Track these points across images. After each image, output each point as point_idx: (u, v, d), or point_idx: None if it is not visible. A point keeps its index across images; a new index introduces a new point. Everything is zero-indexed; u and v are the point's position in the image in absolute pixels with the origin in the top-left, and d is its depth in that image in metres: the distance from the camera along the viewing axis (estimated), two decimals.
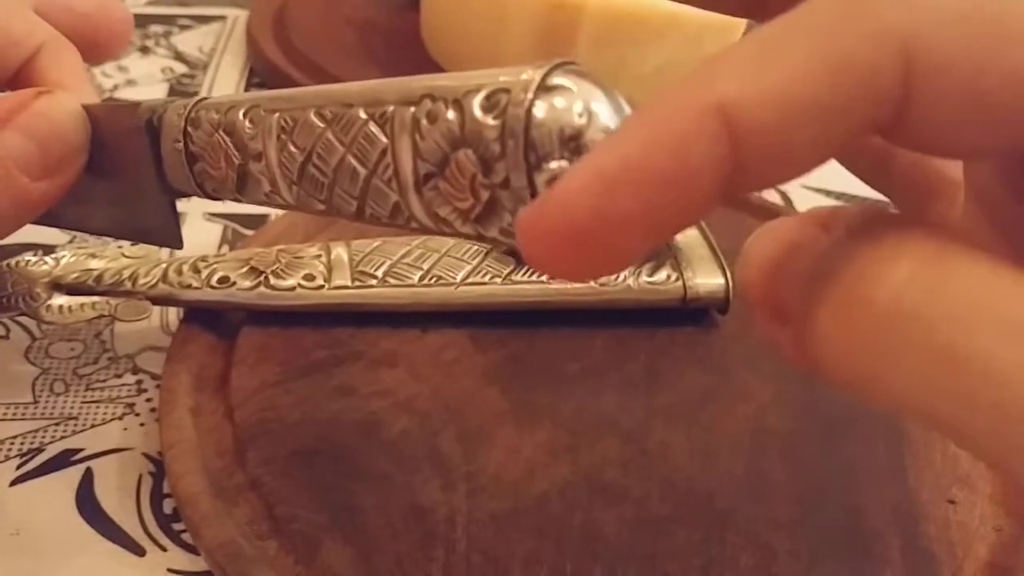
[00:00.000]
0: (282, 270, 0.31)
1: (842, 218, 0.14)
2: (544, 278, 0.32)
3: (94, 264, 0.31)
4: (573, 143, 0.16)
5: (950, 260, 0.13)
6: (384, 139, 0.18)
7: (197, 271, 0.31)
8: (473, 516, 0.26)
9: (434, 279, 0.32)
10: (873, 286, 0.13)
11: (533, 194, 0.16)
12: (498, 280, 0.32)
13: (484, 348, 0.32)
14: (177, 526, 0.27)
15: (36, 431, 0.30)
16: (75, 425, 0.30)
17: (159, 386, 0.30)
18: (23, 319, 0.34)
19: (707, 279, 0.33)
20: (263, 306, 0.31)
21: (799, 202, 0.46)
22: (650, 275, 0.33)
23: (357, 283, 0.32)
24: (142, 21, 0.57)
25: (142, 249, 0.32)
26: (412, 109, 0.18)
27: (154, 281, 0.31)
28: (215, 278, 0.31)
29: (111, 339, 0.33)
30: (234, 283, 0.31)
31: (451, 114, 0.17)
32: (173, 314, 0.34)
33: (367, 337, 0.32)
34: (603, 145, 0.13)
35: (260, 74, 0.52)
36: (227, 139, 0.21)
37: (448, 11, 0.51)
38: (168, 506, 0.28)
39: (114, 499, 0.28)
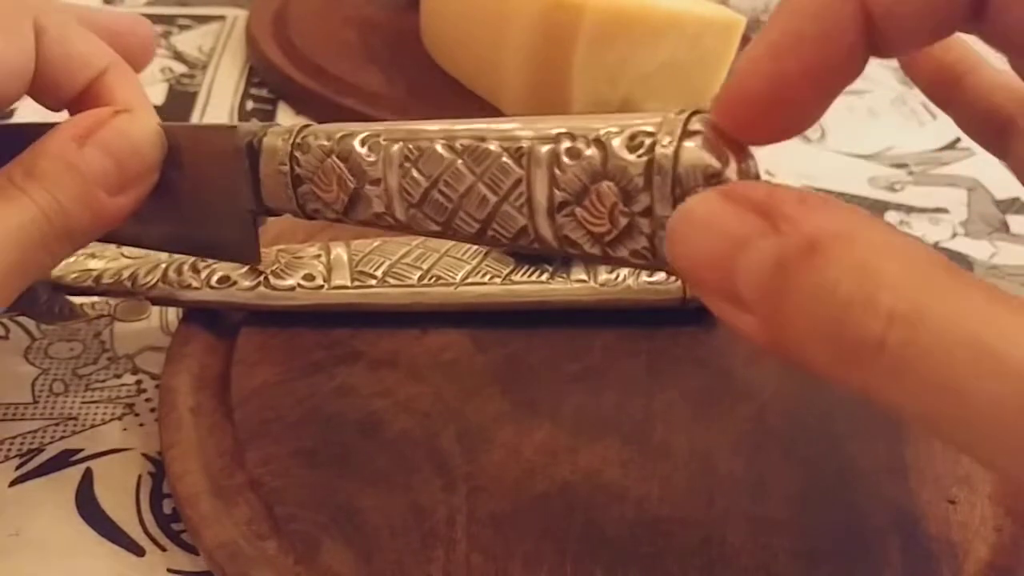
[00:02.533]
0: (282, 270, 0.31)
1: (780, 204, 0.16)
2: (544, 278, 0.32)
3: (94, 264, 0.31)
4: (714, 180, 0.18)
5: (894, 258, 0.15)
6: (519, 170, 0.21)
7: (197, 271, 0.31)
8: (473, 516, 0.26)
9: (434, 279, 0.32)
10: (842, 283, 0.15)
11: None
12: (498, 280, 0.32)
13: (484, 348, 0.32)
14: (177, 526, 0.27)
15: (36, 431, 0.30)
16: (75, 425, 0.30)
17: (159, 386, 0.30)
18: (23, 319, 0.34)
19: None
20: (263, 306, 0.31)
21: None
22: (650, 275, 0.33)
23: (357, 283, 0.32)
24: None
25: (142, 249, 0.32)
26: (549, 146, 0.20)
27: (154, 281, 0.31)
28: (215, 278, 0.31)
29: (111, 339, 0.33)
30: (234, 283, 0.31)
31: (592, 151, 0.20)
32: (173, 314, 0.34)
33: (367, 337, 0.32)
34: (768, 23, 0.17)
35: (260, 74, 0.52)
36: (341, 165, 0.23)
37: (448, 11, 0.51)
38: (168, 506, 0.28)
39: (114, 499, 0.28)
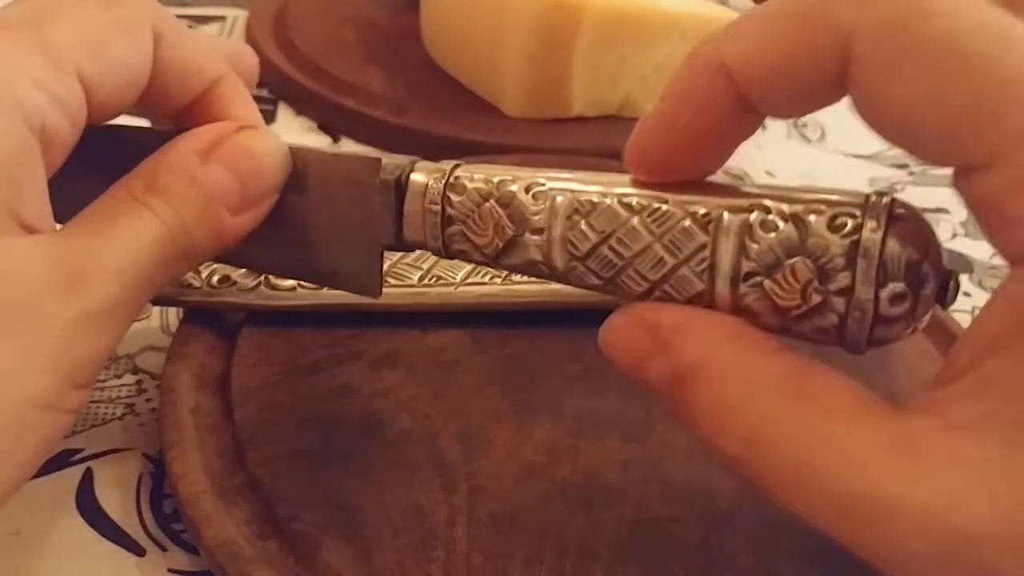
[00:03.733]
0: None
1: (661, 330, 0.20)
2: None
3: None
4: (914, 269, 0.19)
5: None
6: (704, 236, 0.21)
7: (197, 271, 0.31)
8: (473, 516, 0.26)
9: (434, 279, 0.32)
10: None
11: (876, 306, 0.19)
12: (498, 280, 0.32)
13: (484, 348, 0.32)
14: (177, 526, 0.27)
15: None
16: (75, 425, 0.30)
17: (159, 386, 0.30)
18: None
19: None
20: (263, 306, 0.31)
21: None
22: None
23: None
24: None
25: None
26: (741, 216, 0.21)
27: None
28: (215, 278, 0.31)
29: None
30: (234, 283, 0.31)
31: (788, 227, 0.20)
32: (173, 314, 0.34)
33: (367, 337, 0.32)
34: (659, 97, 0.20)
35: (260, 74, 0.52)
36: (501, 211, 0.23)
37: (448, 11, 0.51)
38: (168, 506, 0.28)
39: (114, 499, 0.28)
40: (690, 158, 0.21)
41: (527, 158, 0.42)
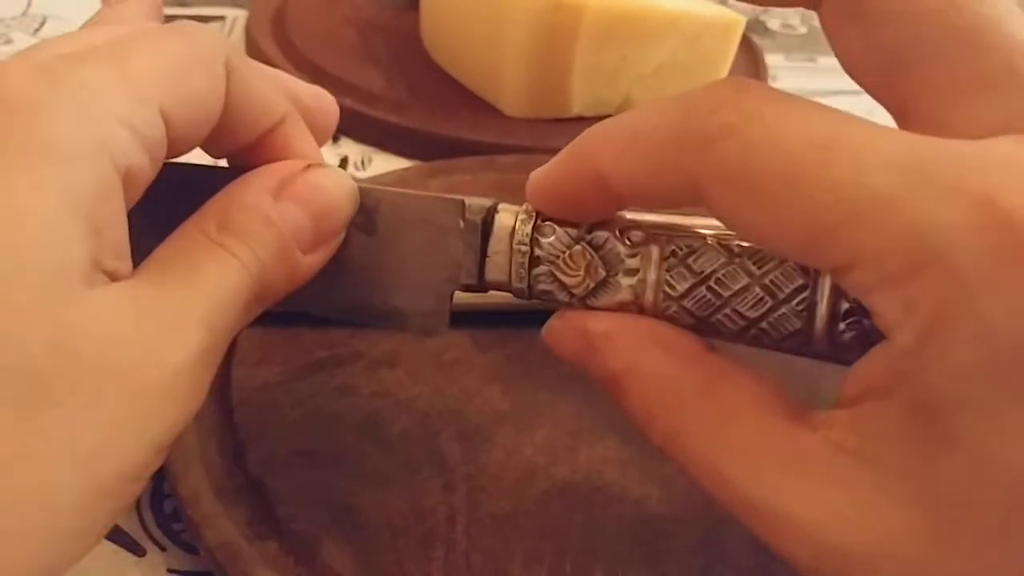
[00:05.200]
0: None
1: (593, 338, 0.22)
2: None
3: None
4: None
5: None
6: (803, 279, 0.21)
7: None
8: (473, 516, 0.26)
9: None
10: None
11: None
12: None
13: (484, 348, 0.32)
14: (177, 526, 0.27)
15: None
16: None
17: None
18: None
19: None
20: None
21: None
22: None
23: None
24: None
25: None
26: None
27: None
28: None
29: None
30: None
31: None
32: None
33: (367, 337, 0.32)
34: (538, 172, 0.22)
35: None
36: (593, 252, 0.23)
37: (447, 11, 0.51)
38: (168, 506, 0.28)
39: None
40: (591, 216, 0.23)
41: (527, 158, 0.43)
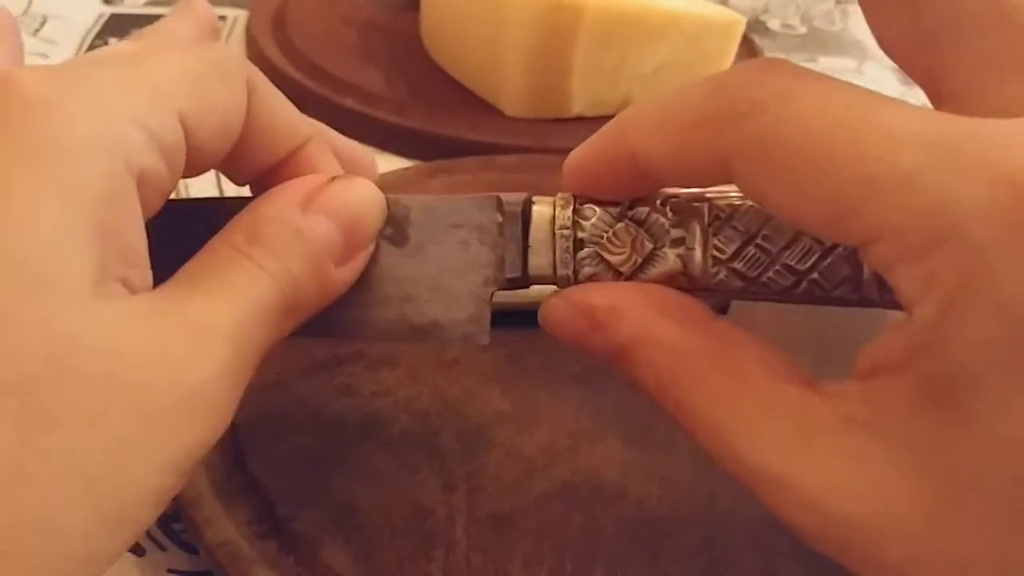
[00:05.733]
0: None
1: (596, 313, 0.22)
2: None
3: None
4: None
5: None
6: None
7: None
8: (473, 516, 0.26)
9: None
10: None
11: None
12: None
13: (484, 348, 0.32)
14: (177, 526, 0.27)
15: None
16: None
17: None
18: None
19: None
20: None
21: None
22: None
23: None
24: (142, 21, 0.57)
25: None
26: None
27: None
28: None
29: None
30: None
31: None
32: None
33: None
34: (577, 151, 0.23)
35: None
36: (637, 228, 0.23)
37: (448, 11, 0.51)
38: (168, 506, 0.28)
39: None
40: (605, 190, 0.23)
41: (527, 158, 0.43)
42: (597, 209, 0.24)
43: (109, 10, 0.58)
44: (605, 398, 0.31)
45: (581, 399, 0.30)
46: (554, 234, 0.24)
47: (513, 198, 0.25)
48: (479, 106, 0.49)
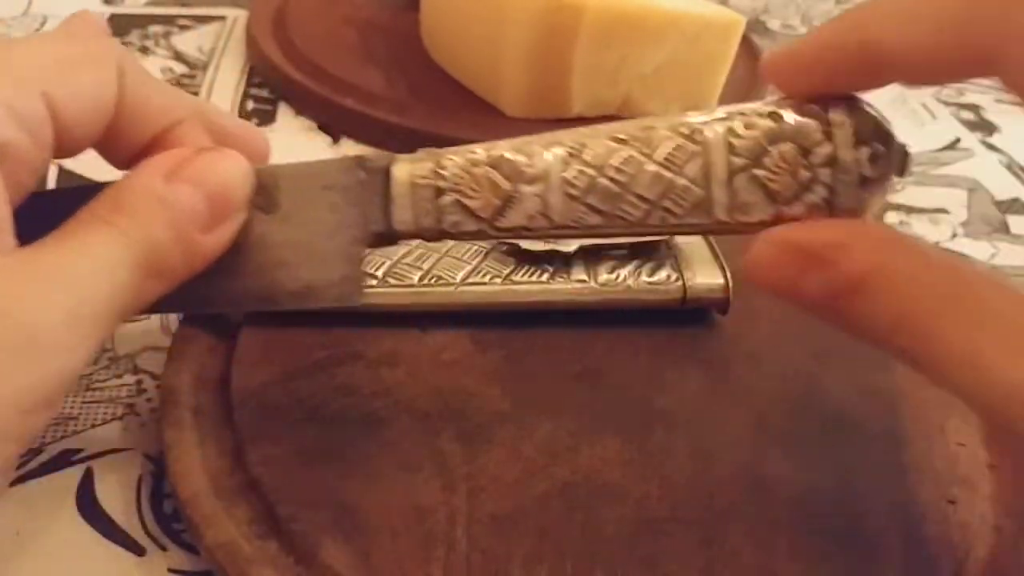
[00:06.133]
0: None
1: (821, 249, 0.21)
2: (544, 278, 0.32)
3: None
4: (881, 131, 0.23)
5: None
6: (693, 146, 0.23)
7: None
8: (473, 516, 0.26)
9: (434, 279, 0.32)
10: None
11: (859, 166, 0.23)
12: (498, 280, 0.32)
13: (484, 348, 0.32)
14: (177, 526, 0.27)
15: None
16: (75, 425, 0.30)
17: (159, 386, 0.30)
18: None
19: (707, 279, 0.33)
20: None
21: None
22: (650, 275, 0.33)
23: None
24: (142, 21, 0.57)
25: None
26: (724, 123, 0.24)
27: None
28: None
29: (111, 339, 0.33)
30: None
31: (767, 121, 0.23)
32: (173, 314, 0.34)
33: (367, 337, 0.32)
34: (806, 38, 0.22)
35: (260, 74, 0.52)
36: (494, 171, 0.24)
37: (448, 11, 0.51)
38: (169, 506, 0.28)
39: (114, 499, 0.28)
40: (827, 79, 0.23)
41: None
42: (455, 157, 0.25)
43: (109, 10, 0.58)
44: (605, 398, 0.31)
45: (581, 399, 0.30)
46: (414, 185, 0.25)
47: (375, 155, 0.26)
48: (479, 106, 0.49)
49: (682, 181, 0.24)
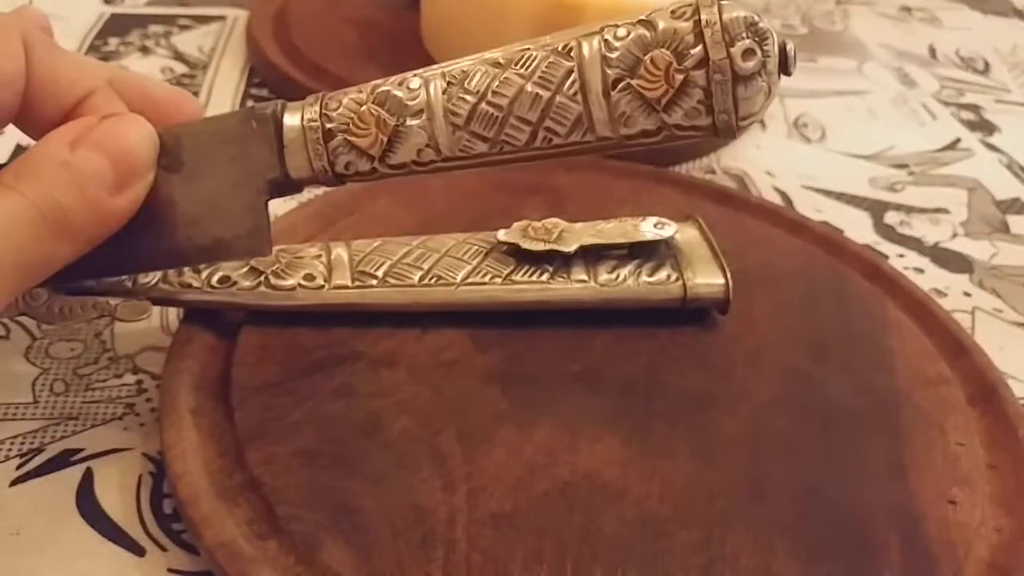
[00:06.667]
0: (282, 270, 0.31)
1: None
2: (544, 278, 0.32)
3: None
4: (754, 28, 0.23)
5: None
6: (568, 63, 0.24)
7: (197, 271, 0.31)
8: (473, 516, 0.26)
9: (434, 279, 0.32)
10: None
11: (732, 63, 0.23)
12: (498, 280, 0.32)
13: (484, 348, 0.32)
14: (177, 526, 0.27)
15: (36, 431, 0.30)
16: (75, 425, 0.30)
17: (159, 386, 0.30)
18: (23, 319, 0.34)
19: (707, 279, 0.33)
20: (263, 306, 0.31)
21: (799, 202, 0.46)
22: (650, 275, 0.33)
23: (357, 283, 0.32)
24: (142, 21, 0.57)
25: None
26: (596, 36, 0.24)
27: (154, 281, 0.31)
28: (215, 278, 0.31)
29: (111, 339, 0.33)
30: (234, 283, 0.31)
31: (640, 30, 0.23)
32: (173, 314, 0.34)
33: (367, 337, 0.32)
34: None
35: (260, 74, 0.52)
36: (379, 108, 0.25)
37: (448, 11, 0.51)
38: (168, 506, 0.28)
39: (114, 499, 0.28)
40: None
41: None
42: (343, 99, 0.25)
43: (109, 10, 0.58)
44: (605, 398, 0.31)
45: (581, 399, 0.30)
46: (303, 130, 0.26)
47: (265, 103, 0.26)
48: None
49: (560, 99, 0.24)
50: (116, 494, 0.28)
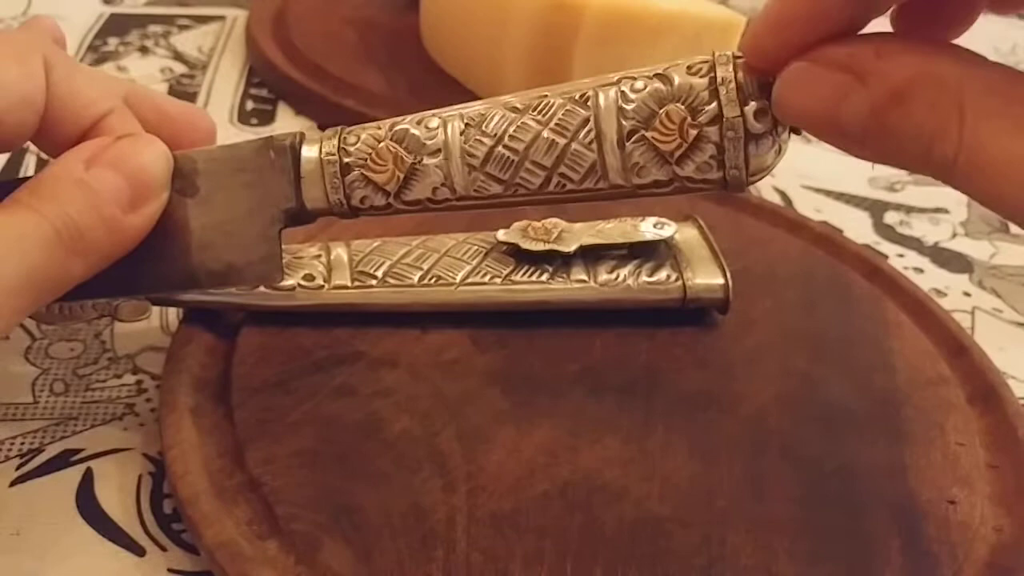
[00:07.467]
0: None
1: (862, 62, 0.20)
2: (544, 278, 0.32)
3: None
4: (767, 88, 0.23)
5: None
6: (584, 112, 0.24)
7: None
8: (473, 516, 0.26)
9: (434, 279, 0.32)
10: None
11: (745, 121, 0.23)
12: (498, 280, 0.32)
13: (484, 348, 0.32)
14: (177, 526, 0.27)
15: (36, 431, 0.30)
16: (75, 425, 0.30)
17: (159, 386, 0.30)
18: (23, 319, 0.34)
19: (707, 279, 0.33)
20: (263, 306, 0.31)
21: (799, 202, 0.46)
22: (650, 275, 0.33)
23: (357, 283, 0.32)
24: (141, 21, 0.57)
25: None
26: (612, 88, 0.24)
27: None
28: None
29: (111, 339, 0.33)
30: None
31: (656, 84, 0.24)
32: (173, 314, 0.34)
33: (367, 337, 0.32)
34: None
35: (260, 74, 0.52)
36: (397, 145, 0.26)
37: (448, 11, 0.51)
38: (168, 506, 0.28)
39: (114, 499, 0.28)
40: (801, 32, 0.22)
41: None
42: (361, 135, 0.26)
43: (109, 10, 0.58)
44: (605, 398, 0.31)
45: (581, 399, 0.30)
46: (321, 163, 0.26)
47: (284, 134, 0.27)
48: None
49: (575, 146, 0.24)
50: (116, 494, 0.28)
